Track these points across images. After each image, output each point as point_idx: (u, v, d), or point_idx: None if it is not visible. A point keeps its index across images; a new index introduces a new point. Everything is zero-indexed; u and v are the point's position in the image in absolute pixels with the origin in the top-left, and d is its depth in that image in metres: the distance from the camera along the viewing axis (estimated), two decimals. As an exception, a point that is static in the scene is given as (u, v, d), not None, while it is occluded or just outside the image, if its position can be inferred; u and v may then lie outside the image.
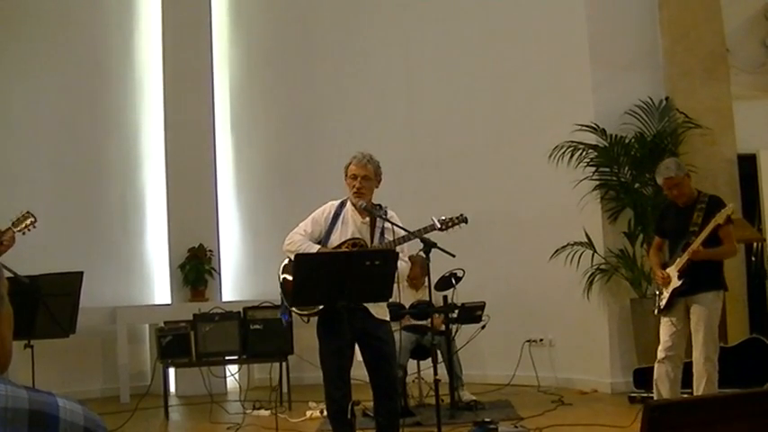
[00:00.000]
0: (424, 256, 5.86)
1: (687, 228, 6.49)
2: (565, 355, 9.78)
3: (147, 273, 10.85)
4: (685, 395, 6.70)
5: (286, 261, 5.92)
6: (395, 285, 5.44)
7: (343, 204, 6.00)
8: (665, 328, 6.65)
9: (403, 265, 5.81)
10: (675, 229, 6.68)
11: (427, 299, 6.30)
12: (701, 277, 6.44)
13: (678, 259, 6.51)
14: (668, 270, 6.58)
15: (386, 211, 5.90)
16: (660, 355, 6.64)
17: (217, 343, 8.95)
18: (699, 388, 6.43)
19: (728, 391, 6.66)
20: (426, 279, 6.07)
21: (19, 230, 6.59)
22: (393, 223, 5.82)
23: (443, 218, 5.94)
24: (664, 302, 6.60)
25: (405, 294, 7.07)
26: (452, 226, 5.97)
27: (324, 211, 6.00)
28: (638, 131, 9.14)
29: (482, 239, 9.85)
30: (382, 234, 5.91)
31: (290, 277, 5.70)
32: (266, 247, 9.98)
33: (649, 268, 7.75)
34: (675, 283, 6.51)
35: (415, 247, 6.08)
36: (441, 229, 5.89)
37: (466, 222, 6.03)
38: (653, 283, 7.21)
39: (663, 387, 6.59)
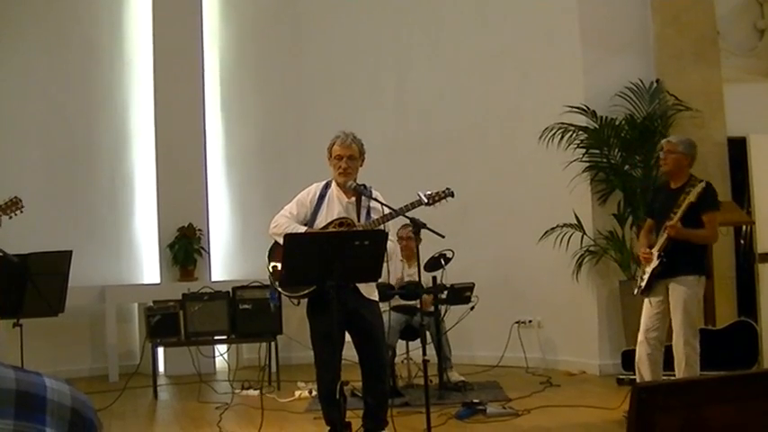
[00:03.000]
0: (412, 236, 5.87)
1: (671, 209, 6.48)
2: (553, 336, 9.81)
3: (136, 252, 10.82)
4: (666, 378, 6.72)
5: (273, 244, 5.91)
6: (384, 264, 5.45)
7: (327, 185, 6.00)
8: (646, 310, 6.67)
9: (391, 245, 5.82)
10: (661, 210, 6.67)
11: (416, 276, 6.30)
12: (682, 260, 6.42)
13: (660, 239, 6.52)
14: (652, 249, 6.58)
15: (371, 191, 5.89)
16: (640, 337, 6.66)
17: (206, 323, 8.94)
18: (679, 371, 6.45)
19: (716, 373, 6.69)
20: (415, 250, 6.07)
21: (6, 215, 6.64)
22: (380, 201, 5.82)
23: (429, 192, 5.93)
24: (644, 284, 6.61)
25: (394, 271, 7.07)
26: (439, 200, 5.97)
27: (309, 193, 6.00)
28: (628, 114, 9.14)
29: (472, 220, 9.87)
30: (368, 213, 5.91)
31: (277, 262, 5.70)
32: (256, 226, 9.93)
33: (638, 250, 7.77)
34: (654, 262, 6.51)
35: (400, 222, 6.08)
36: (427, 204, 5.89)
37: (452, 196, 6.02)
38: (638, 261, 7.20)
39: (644, 369, 6.61)
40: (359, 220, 5.87)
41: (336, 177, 5.91)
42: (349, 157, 5.86)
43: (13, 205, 6.72)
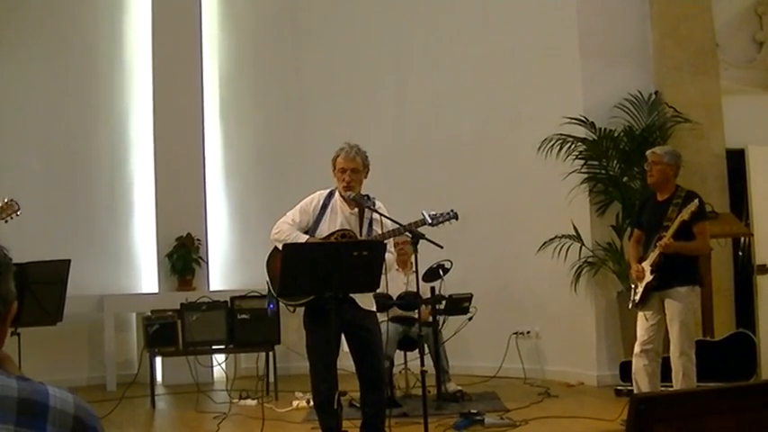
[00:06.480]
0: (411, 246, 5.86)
1: (662, 222, 6.49)
2: (551, 347, 9.80)
3: (135, 261, 10.82)
4: (663, 389, 6.73)
5: (272, 251, 5.90)
6: (382, 276, 5.45)
7: (331, 194, 5.99)
8: (641, 322, 6.68)
9: (389, 256, 5.81)
10: (651, 222, 6.68)
11: (415, 287, 6.30)
12: (675, 272, 6.44)
13: (652, 254, 6.53)
14: (643, 264, 6.60)
15: (374, 202, 5.88)
16: (637, 349, 6.68)
17: (204, 332, 8.93)
18: (676, 382, 6.46)
19: (715, 384, 6.68)
20: (414, 259, 6.05)
21: (1, 219, 6.55)
22: (381, 214, 5.81)
23: (433, 213, 5.94)
24: (638, 297, 6.63)
25: (393, 281, 7.06)
26: (443, 222, 5.98)
27: (312, 201, 5.99)
28: (627, 125, 9.16)
29: (470, 231, 9.85)
30: (371, 225, 5.91)
31: (275, 269, 5.69)
32: (254, 236, 9.97)
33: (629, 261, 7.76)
34: (648, 277, 6.53)
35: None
36: (431, 224, 5.90)
37: (456, 219, 6.04)
38: (629, 276, 7.22)
39: (641, 380, 6.62)
40: (361, 232, 5.87)
41: (340, 190, 5.91)
42: (352, 170, 5.85)
43: (8, 208, 6.54)
